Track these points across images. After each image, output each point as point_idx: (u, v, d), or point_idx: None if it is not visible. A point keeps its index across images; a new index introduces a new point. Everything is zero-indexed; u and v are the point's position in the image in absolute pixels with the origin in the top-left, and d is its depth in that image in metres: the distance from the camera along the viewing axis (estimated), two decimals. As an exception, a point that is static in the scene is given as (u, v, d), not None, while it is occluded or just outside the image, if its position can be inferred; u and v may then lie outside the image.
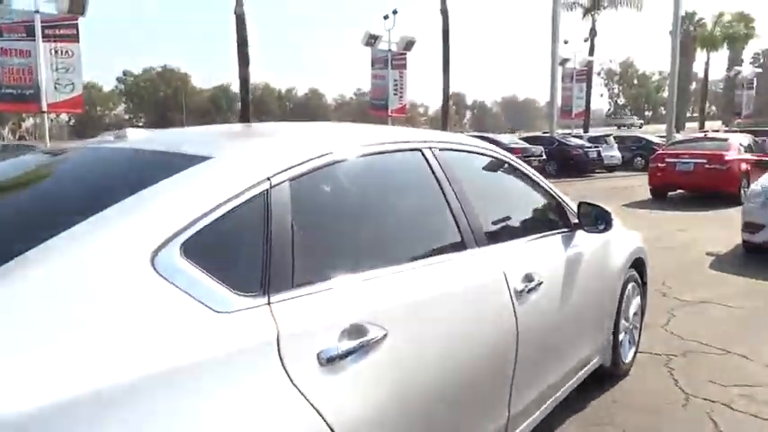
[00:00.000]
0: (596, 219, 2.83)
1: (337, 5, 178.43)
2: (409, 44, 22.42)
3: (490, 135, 21.02)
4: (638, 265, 3.60)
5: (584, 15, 33.67)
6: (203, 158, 1.47)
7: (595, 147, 21.29)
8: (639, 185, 14.25)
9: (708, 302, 5.09)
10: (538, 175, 2.86)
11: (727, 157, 11.62)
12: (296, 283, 1.42)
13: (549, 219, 2.78)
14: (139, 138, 1.81)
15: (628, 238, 3.51)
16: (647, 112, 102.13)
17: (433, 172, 2.08)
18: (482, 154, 2.53)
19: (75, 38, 14.76)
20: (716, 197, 11.57)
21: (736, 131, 19.58)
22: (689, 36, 55.49)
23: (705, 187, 11.80)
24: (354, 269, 1.59)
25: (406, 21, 22.33)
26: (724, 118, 58.57)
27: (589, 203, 2.87)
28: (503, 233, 2.38)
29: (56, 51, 14.49)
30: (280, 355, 1.29)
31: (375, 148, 1.90)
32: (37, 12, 14.23)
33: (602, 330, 3.09)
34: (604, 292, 3.06)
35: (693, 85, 73.88)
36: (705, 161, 11.75)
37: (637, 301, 3.62)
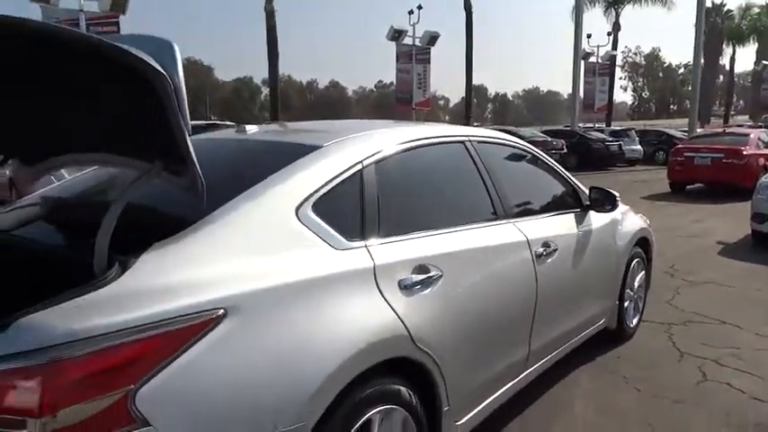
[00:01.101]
0: (604, 201, 3.40)
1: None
2: (433, 39, 22.84)
3: (511, 128, 21.41)
4: (643, 244, 4.16)
5: (607, 10, 33.68)
6: (315, 147, 2.09)
7: (617, 140, 21.56)
8: (659, 179, 14.59)
9: (711, 282, 5.62)
10: (555, 163, 3.44)
11: (744, 152, 11.97)
12: (381, 233, 2.04)
13: (565, 200, 3.36)
14: (255, 130, 2.45)
15: (634, 219, 4.07)
16: (672, 106, 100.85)
17: (473, 159, 2.68)
18: (510, 146, 3.14)
19: (116, 30, 15.53)
20: (733, 191, 11.93)
21: (760, 126, 19.73)
22: (716, 29, 54.83)
23: (722, 181, 12.14)
24: (420, 227, 2.21)
25: (427, 14, 22.64)
26: (752, 112, 57.73)
27: (599, 188, 3.45)
28: (526, 209, 2.97)
29: (99, 45, 15.29)
30: (375, 279, 1.91)
31: (432, 141, 2.52)
32: (81, 10, 15.02)
33: (608, 296, 3.66)
34: (611, 264, 3.63)
35: (720, 79, 72.82)
36: (723, 156, 12.11)
37: (641, 275, 4.18)
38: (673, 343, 4.01)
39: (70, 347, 1.27)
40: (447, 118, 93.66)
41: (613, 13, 33.66)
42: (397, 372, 1.94)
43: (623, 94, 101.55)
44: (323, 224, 1.87)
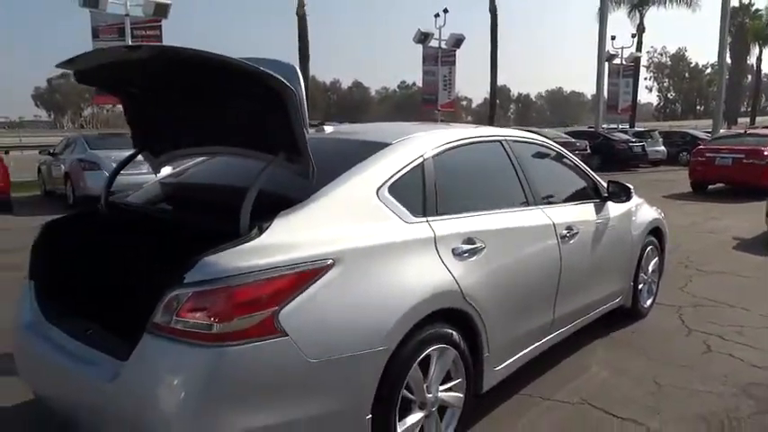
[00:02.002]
0: (620, 192, 3.91)
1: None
2: (458, 42, 23.34)
3: (535, 129, 21.76)
4: (657, 233, 4.64)
5: (631, 11, 33.72)
6: (387, 144, 2.65)
7: (640, 141, 21.77)
8: (682, 179, 14.85)
9: (723, 273, 6.06)
10: (578, 159, 3.96)
11: (765, 153, 12.24)
12: (438, 211, 2.59)
13: (586, 191, 3.87)
14: (333, 130, 3.02)
15: (648, 211, 4.56)
16: (698, 107, 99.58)
17: (508, 156, 3.22)
18: (539, 144, 3.67)
19: (159, 38, 16.36)
20: (754, 191, 12.19)
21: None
22: (743, 28, 54.20)
23: (742, 181, 12.42)
24: (467, 208, 2.76)
25: (452, 15, 23.08)
26: (780, 113, 56.89)
27: (616, 181, 3.97)
28: (552, 198, 3.49)
29: (142, 50, 16.13)
30: (435, 247, 2.46)
31: (475, 140, 3.07)
32: (127, 15, 15.90)
33: (623, 277, 4.16)
34: (626, 249, 4.12)
35: (749, 79, 71.77)
36: (743, 156, 12.41)
37: (655, 261, 4.66)
38: (682, 321, 4.49)
39: (236, 278, 1.85)
40: (469, 118, 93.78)
41: (638, 14, 33.72)
42: (450, 320, 2.49)
43: (649, 95, 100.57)
44: (396, 202, 2.43)
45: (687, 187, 13.96)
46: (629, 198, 3.94)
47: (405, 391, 2.29)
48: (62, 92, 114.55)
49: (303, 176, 2.23)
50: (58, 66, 2.35)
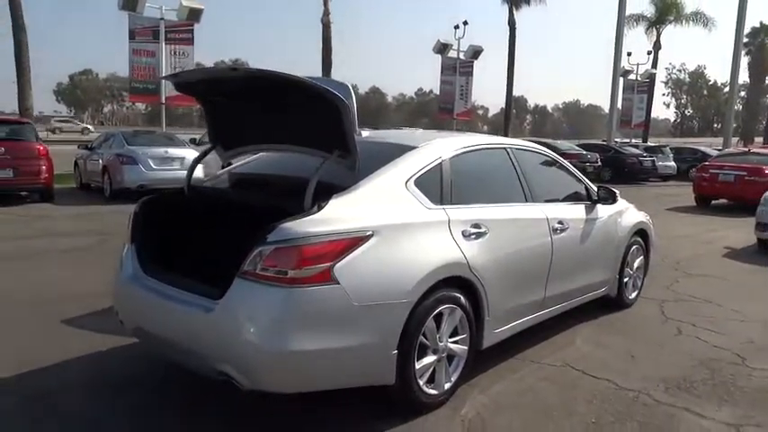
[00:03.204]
0: (608, 196, 4.59)
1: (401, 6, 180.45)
2: (476, 53, 24.11)
3: (549, 141, 22.38)
4: (642, 235, 5.30)
5: (648, 29, 34.23)
6: (414, 147, 3.35)
7: (650, 156, 22.30)
8: (688, 194, 15.33)
9: (708, 276, 6.68)
10: (573, 168, 4.64)
11: (766, 171, 12.77)
12: (453, 202, 3.28)
13: (578, 194, 4.54)
14: (368, 135, 3.73)
15: (635, 214, 5.22)
16: (716, 125, 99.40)
17: (511, 160, 3.92)
18: (538, 153, 4.36)
19: (190, 41, 17.31)
20: (754, 207, 12.68)
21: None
22: (763, 48, 54.40)
23: (743, 198, 12.90)
24: (475, 201, 3.45)
25: (471, 26, 23.84)
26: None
27: (605, 186, 4.65)
28: (548, 197, 4.17)
29: (174, 52, 17.06)
30: (449, 228, 3.15)
31: (484, 146, 3.78)
32: (162, 19, 16.84)
33: (609, 270, 4.82)
34: (612, 245, 4.79)
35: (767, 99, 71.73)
36: (745, 173, 12.95)
37: (640, 259, 5.31)
38: (662, 312, 5.13)
39: (305, 239, 2.56)
40: (486, 128, 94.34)
41: (654, 32, 34.21)
42: (458, 286, 3.17)
43: (666, 111, 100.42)
44: (419, 192, 3.13)
45: (692, 201, 14.50)
46: (614, 201, 4.62)
47: (422, 338, 2.98)
48: (83, 88, 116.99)
49: (350, 169, 2.95)
50: (165, 78, 3.11)
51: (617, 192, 4.63)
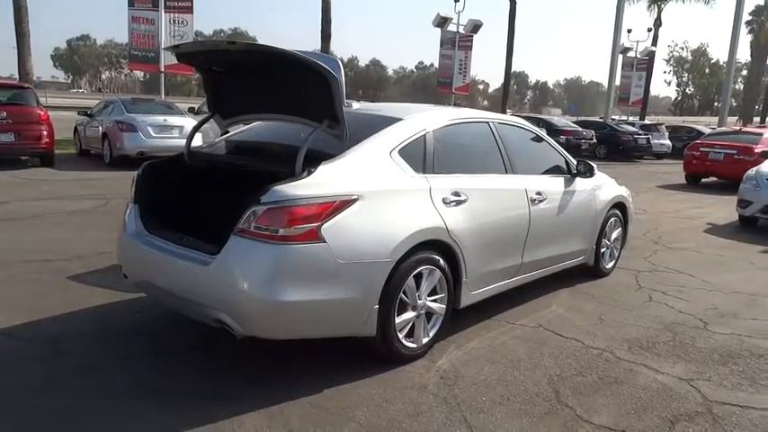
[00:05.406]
0: (586, 170, 4.83)
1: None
2: (476, 27, 24.00)
3: (544, 116, 22.52)
4: (621, 207, 5.55)
5: (650, 6, 33.96)
6: (399, 119, 3.58)
7: (645, 134, 22.43)
8: (679, 172, 15.60)
9: (686, 249, 6.97)
10: (553, 142, 4.87)
11: (755, 150, 12.99)
12: (435, 171, 3.52)
13: (558, 167, 4.78)
14: (359, 106, 3.94)
15: (614, 188, 5.47)
16: (716, 104, 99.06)
17: (493, 133, 4.15)
18: (520, 127, 4.59)
19: (189, 9, 17.23)
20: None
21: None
22: (763, 28, 54.02)
23: (733, 176, 13.13)
24: (456, 170, 3.69)
25: (472, 2, 23.73)
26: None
27: (583, 160, 4.89)
28: (527, 169, 4.40)
29: (173, 21, 17.01)
30: (430, 195, 3.40)
31: (467, 120, 4.01)
32: (161, -8, 16.75)
33: (587, 240, 5.08)
34: (590, 216, 5.04)
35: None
36: (735, 152, 13.17)
37: (618, 231, 5.58)
38: (637, 281, 5.42)
39: (295, 201, 2.81)
40: (486, 103, 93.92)
41: (656, 9, 33.97)
42: (438, 249, 3.43)
43: (667, 89, 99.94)
44: (403, 161, 3.37)
45: (682, 179, 14.75)
46: (592, 174, 4.87)
47: (402, 295, 3.25)
48: (81, 54, 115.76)
49: (338, 139, 3.17)
50: (166, 48, 3.35)
51: (595, 166, 4.87)
